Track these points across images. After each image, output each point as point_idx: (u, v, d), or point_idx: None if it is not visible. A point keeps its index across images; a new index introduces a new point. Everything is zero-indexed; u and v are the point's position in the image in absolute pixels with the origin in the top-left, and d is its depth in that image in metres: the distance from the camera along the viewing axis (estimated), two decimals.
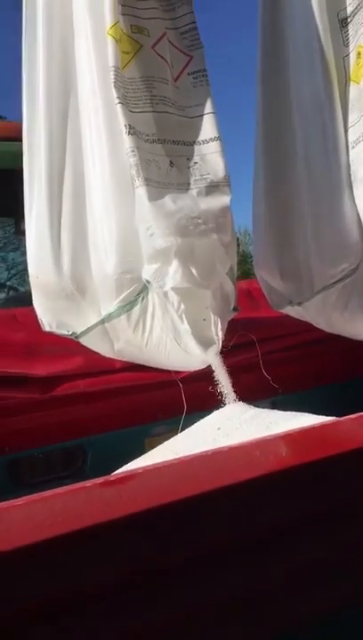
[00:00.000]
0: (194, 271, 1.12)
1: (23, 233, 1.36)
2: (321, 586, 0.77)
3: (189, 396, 1.30)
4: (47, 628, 0.59)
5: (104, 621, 0.63)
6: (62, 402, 1.41)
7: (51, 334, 1.32)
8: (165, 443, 1.15)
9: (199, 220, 1.13)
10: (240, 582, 0.70)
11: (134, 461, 1.05)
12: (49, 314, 1.28)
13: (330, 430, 0.82)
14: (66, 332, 1.29)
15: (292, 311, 1.54)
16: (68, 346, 1.35)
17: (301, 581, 0.76)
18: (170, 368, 1.34)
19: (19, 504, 0.57)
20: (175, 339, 1.19)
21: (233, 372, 1.27)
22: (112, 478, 0.64)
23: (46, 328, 1.30)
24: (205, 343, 1.18)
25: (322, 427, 0.83)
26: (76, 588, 0.61)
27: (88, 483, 0.63)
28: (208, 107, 1.21)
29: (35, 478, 1.38)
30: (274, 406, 1.41)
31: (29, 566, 0.57)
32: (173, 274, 1.11)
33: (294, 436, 0.78)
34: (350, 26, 1.52)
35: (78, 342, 1.31)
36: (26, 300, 1.41)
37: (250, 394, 1.39)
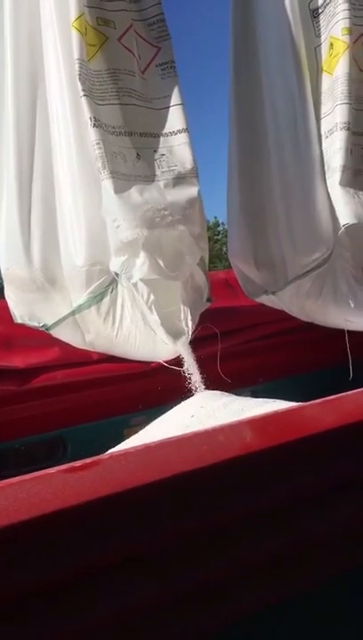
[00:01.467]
0: (161, 263, 1.13)
1: None
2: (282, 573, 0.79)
3: (165, 386, 1.32)
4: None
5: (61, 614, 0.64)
6: (41, 393, 1.42)
7: (24, 326, 1.32)
8: (140, 432, 1.17)
9: (166, 212, 1.14)
10: (203, 571, 0.72)
11: (110, 450, 1.07)
12: (21, 306, 1.29)
13: (295, 415, 0.84)
14: (37, 324, 1.29)
15: (267, 300, 1.56)
16: (46, 338, 1.36)
17: (263, 568, 0.77)
18: (140, 359, 1.36)
19: None
20: (144, 331, 1.21)
21: (212, 360, 1.29)
22: (77, 465, 0.65)
23: (18, 320, 1.30)
24: (175, 333, 1.19)
25: (287, 412, 0.85)
26: (39, 576, 0.62)
27: (53, 470, 0.64)
28: (176, 98, 1.22)
29: (15, 470, 1.39)
30: (254, 395, 1.43)
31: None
32: (141, 265, 1.12)
33: (259, 420, 0.80)
34: (321, 16, 1.54)
35: (51, 334, 1.31)
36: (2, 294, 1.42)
37: (230, 383, 1.41)
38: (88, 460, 0.66)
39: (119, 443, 1.17)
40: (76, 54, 1.12)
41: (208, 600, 0.73)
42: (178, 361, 1.23)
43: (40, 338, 1.38)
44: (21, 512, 0.59)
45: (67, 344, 1.37)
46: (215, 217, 16.15)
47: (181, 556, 0.72)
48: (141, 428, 1.29)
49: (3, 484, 0.61)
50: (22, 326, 1.33)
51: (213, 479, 0.71)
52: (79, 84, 1.11)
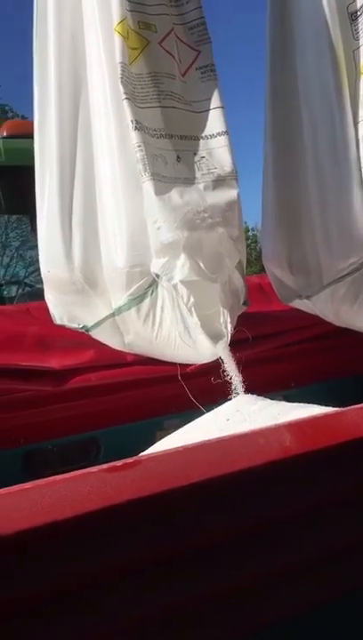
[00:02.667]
0: (202, 264, 1.14)
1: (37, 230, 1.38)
2: (321, 577, 0.78)
3: (201, 390, 1.32)
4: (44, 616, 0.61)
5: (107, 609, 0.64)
6: (75, 395, 1.43)
7: (63, 328, 1.34)
8: (174, 433, 1.17)
9: (206, 214, 1.14)
10: (240, 573, 0.71)
11: (144, 452, 1.07)
12: (60, 307, 1.31)
13: (334, 420, 0.83)
14: (77, 326, 1.31)
15: (301, 305, 1.54)
16: (81, 339, 1.37)
17: (300, 573, 0.77)
18: (179, 361, 1.36)
19: (27, 488, 0.59)
20: (183, 332, 1.21)
21: (246, 365, 1.28)
22: (118, 464, 0.66)
23: (57, 321, 1.32)
24: (214, 336, 1.19)
25: (326, 416, 0.84)
26: (82, 573, 0.62)
27: (94, 468, 0.64)
28: (216, 101, 1.22)
29: (48, 470, 1.41)
30: (287, 399, 1.42)
31: (37, 550, 0.59)
32: (181, 267, 1.12)
33: (298, 425, 0.79)
34: (360, 19, 1.52)
35: (89, 335, 1.32)
36: (42, 296, 1.44)
37: (263, 387, 1.40)
38: (129, 460, 0.66)
39: (152, 445, 1.17)
40: (118, 58, 1.14)
41: (248, 601, 0.72)
42: (215, 364, 1.22)
43: (75, 339, 1.39)
44: (65, 510, 0.59)
45: (102, 345, 1.38)
46: (245, 222, 16.09)
47: (219, 557, 0.72)
48: (173, 431, 1.29)
49: (46, 482, 0.62)
50: (59, 327, 1.34)
51: (253, 482, 0.71)
52: (121, 87, 1.13)
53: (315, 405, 1.08)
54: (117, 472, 0.64)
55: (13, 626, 0.58)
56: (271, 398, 1.20)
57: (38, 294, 1.80)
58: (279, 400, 1.25)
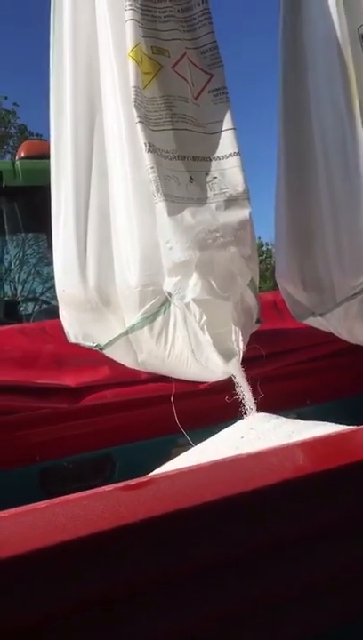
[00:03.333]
0: (214, 283, 1.15)
1: (52, 249, 1.41)
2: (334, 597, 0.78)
3: (215, 407, 1.32)
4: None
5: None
6: (90, 412, 1.45)
7: (78, 346, 1.35)
8: (188, 451, 1.17)
9: (218, 234, 1.15)
10: (253, 591, 0.72)
11: (158, 469, 1.08)
12: (75, 326, 1.33)
13: (348, 438, 0.83)
14: (91, 344, 1.32)
15: (314, 322, 1.55)
16: (96, 357, 1.39)
17: (311, 592, 0.76)
18: (191, 379, 1.37)
19: (42, 507, 0.60)
20: (195, 351, 1.22)
21: (260, 382, 1.28)
22: (132, 483, 0.67)
23: (72, 340, 1.34)
24: (226, 354, 1.20)
25: (340, 435, 0.85)
26: (95, 592, 0.63)
27: (109, 487, 0.65)
28: (228, 123, 1.24)
29: (64, 487, 1.42)
30: (301, 417, 1.42)
31: (51, 568, 0.60)
32: (193, 286, 1.13)
33: (312, 443, 0.80)
34: None
35: (103, 354, 1.34)
36: (57, 313, 1.46)
37: (277, 405, 1.40)
38: (143, 479, 0.67)
39: (166, 462, 1.17)
40: (132, 82, 1.16)
41: (264, 620, 0.72)
42: (227, 382, 1.23)
43: (91, 357, 1.41)
44: (78, 529, 0.60)
45: (117, 363, 1.40)
46: (259, 237, 16.13)
47: (232, 577, 0.72)
48: (188, 448, 1.29)
49: (60, 501, 0.63)
50: (74, 345, 1.36)
51: (266, 501, 0.71)
52: (135, 110, 1.15)
53: (329, 423, 1.08)
54: (132, 491, 0.65)
55: None
56: (285, 416, 1.20)
57: (55, 311, 1.82)
58: (293, 418, 1.25)
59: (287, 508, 0.73)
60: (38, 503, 0.61)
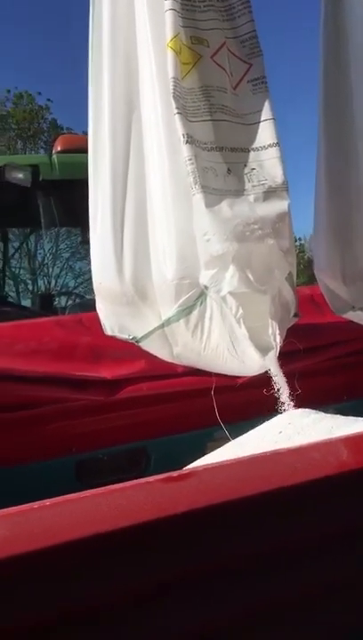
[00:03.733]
0: (251, 276, 1.13)
1: (88, 242, 1.41)
2: None
3: (250, 402, 1.31)
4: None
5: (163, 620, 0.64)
6: (126, 404, 1.45)
7: (114, 338, 1.36)
8: (225, 445, 1.16)
9: (256, 226, 1.14)
10: (296, 586, 0.70)
11: (194, 463, 1.07)
12: (111, 318, 1.33)
13: None
14: (127, 337, 1.32)
15: (354, 316, 1.52)
16: (132, 350, 1.39)
17: (353, 590, 0.75)
18: (227, 373, 1.35)
19: (83, 496, 0.60)
20: (231, 345, 1.20)
21: (297, 377, 1.27)
22: (174, 475, 0.66)
23: (108, 332, 1.34)
24: (263, 348, 1.19)
25: None
26: (135, 583, 0.63)
27: (151, 478, 0.65)
28: (267, 113, 1.22)
29: (100, 479, 1.42)
30: (339, 413, 1.40)
31: (91, 559, 0.60)
32: (230, 279, 1.12)
33: (355, 439, 0.78)
34: None
35: (139, 346, 1.34)
36: (91, 306, 1.46)
37: (315, 400, 1.38)
38: (185, 471, 0.67)
39: (202, 456, 1.17)
40: (171, 73, 1.15)
41: (303, 616, 0.71)
42: (264, 377, 1.21)
43: (127, 350, 1.41)
44: (119, 520, 0.60)
45: (152, 356, 1.39)
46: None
47: (273, 571, 0.71)
48: (223, 443, 1.28)
49: (102, 491, 0.63)
50: (111, 338, 1.36)
51: (308, 497, 0.70)
52: (173, 101, 1.14)
53: None
54: (173, 483, 0.64)
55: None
56: (323, 412, 1.18)
57: (88, 305, 1.83)
58: (332, 413, 1.23)
59: (329, 504, 0.72)
60: (81, 493, 0.61)
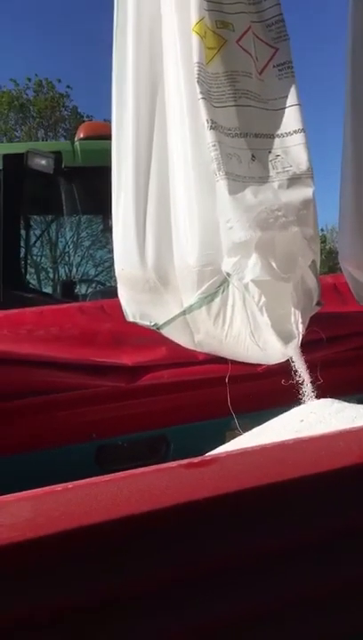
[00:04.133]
0: (274, 264, 1.12)
1: (110, 230, 1.41)
2: None
3: (271, 390, 1.30)
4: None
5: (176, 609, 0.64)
6: (147, 391, 1.45)
7: (135, 325, 1.36)
8: (246, 433, 1.16)
9: (280, 213, 1.13)
10: (314, 579, 0.70)
11: (218, 448, 1.07)
12: (133, 305, 1.33)
13: None
14: (148, 323, 1.32)
15: None
16: (153, 337, 1.39)
17: None
18: (249, 361, 1.35)
19: (105, 480, 0.61)
20: (253, 333, 1.20)
21: (320, 366, 1.25)
22: (196, 461, 0.66)
23: (130, 319, 1.34)
24: (285, 337, 1.18)
25: None
26: (155, 568, 0.63)
27: (173, 464, 0.65)
28: (293, 98, 1.21)
29: (119, 465, 1.43)
30: (361, 403, 1.39)
31: (113, 542, 0.60)
32: (253, 266, 1.11)
33: None
34: None
35: (161, 333, 1.34)
36: (112, 294, 1.46)
37: (337, 389, 1.36)
38: (207, 457, 0.67)
39: (221, 444, 1.17)
40: (195, 58, 1.14)
41: (316, 612, 0.71)
42: (286, 365, 1.21)
43: (148, 336, 1.41)
44: (141, 503, 0.60)
45: (174, 343, 1.39)
46: None
47: (290, 560, 0.70)
48: (243, 431, 1.28)
49: (124, 475, 0.63)
50: (132, 324, 1.36)
51: (331, 486, 0.70)
52: (197, 86, 1.13)
53: None
54: (195, 468, 0.64)
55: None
56: (345, 401, 1.17)
57: (109, 292, 1.83)
58: (354, 403, 1.22)
59: (353, 493, 0.71)
60: (102, 477, 0.61)
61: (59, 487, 0.58)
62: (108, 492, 0.60)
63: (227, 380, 1.35)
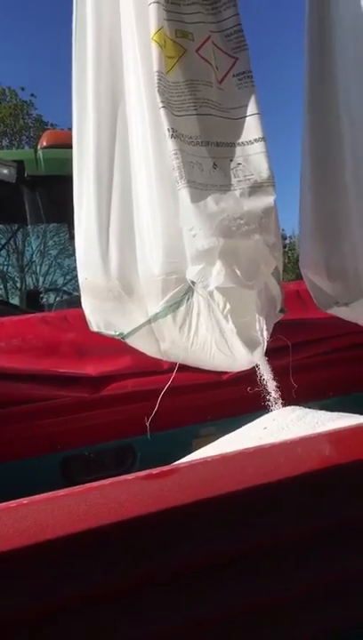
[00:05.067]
0: (238, 271, 1.13)
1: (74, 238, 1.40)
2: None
3: (238, 398, 1.31)
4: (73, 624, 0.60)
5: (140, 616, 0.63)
6: (112, 401, 1.44)
7: (99, 335, 1.34)
8: (213, 443, 1.16)
9: (242, 221, 1.13)
10: (273, 585, 0.70)
11: (183, 459, 1.06)
12: (97, 314, 1.31)
13: None
14: (113, 333, 1.31)
15: (339, 312, 1.52)
16: (117, 346, 1.37)
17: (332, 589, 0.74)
18: (215, 369, 1.35)
19: (61, 495, 0.59)
20: (219, 340, 1.20)
21: (284, 373, 1.26)
22: (155, 472, 0.65)
23: (94, 328, 1.32)
24: (250, 344, 1.18)
25: None
26: (113, 580, 0.62)
27: (130, 476, 0.64)
28: (253, 108, 1.22)
29: (86, 476, 1.41)
30: (324, 409, 1.40)
31: (69, 556, 0.59)
32: (217, 274, 1.11)
33: (338, 434, 0.78)
34: None
35: (126, 343, 1.33)
36: (78, 303, 1.45)
37: (301, 396, 1.37)
38: (166, 468, 0.66)
39: (188, 453, 1.16)
40: (155, 67, 1.14)
41: (275, 618, 0.71)
42: (251, 373, 1.21)
43: (112, 346, 1.40)
44: (100, 517, 0.59)
45: (138, 352, 1.38)
46: (282, 229, 15.95)
47: (252, 568, 0.70)
48: (210, 439, 1.28)
49: (82, 489, 0.62)
50: (96, 334, 1.35)
51: (292, 492, 0.70)
52: (158, 95, 1.13)
53: (354, 415, 1.06)
54: (154, 480, 0.64)
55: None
56: (309, 407, 1.18)
57: (76, 302, 1.81)
58: (317, 409, 1.23)
59: (312, 500, 0.71)
60: (58, 491, 0.60)
61: (13, 503, 0.57)
62: (64, 507, 0.59)
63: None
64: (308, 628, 0.73)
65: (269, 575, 0.69)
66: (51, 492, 0.60)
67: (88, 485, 0.62)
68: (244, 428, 1.15)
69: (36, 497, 0.59)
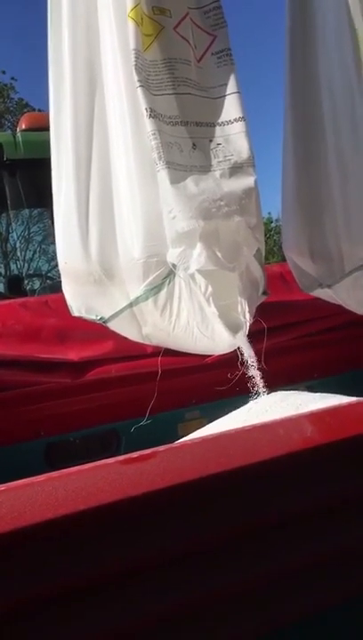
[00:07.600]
0: (219, 254, 1.11)
1: None
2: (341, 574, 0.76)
3: (221, 381, 1.30)
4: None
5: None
6: (95, 386, 1.43)
7: (81, 319, 1.33)
8: (200, 429, 1.15)
9: (222, 202, 1.12)
10: (252, 569, 0.70)
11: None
12: (78, 299, 1.30)
13: (356, 410, 0.81)
14: (94, 317, 1.30)
15: (322, 294, 1.52)
16: (99, 331, 1.36)
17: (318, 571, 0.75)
18: (197, 352, 1.34)
19: (40, 480, 0.59)
20: (201, 323, 1.19)
21: (267, 355, 1.26)
22: (134, 456, 0.65)
23: (75, 313, 1.31)
24: (232, 327, 1.17)
25: (348, 406, 0.82)
26: (92, 567, 0.61)
27: (109, 460, 0.63)
28: (232, 86, 1.20)
29: (70, 462, 1.41)
30: (310, 390, 1.40)
31: (49, 541, 0.58)
32: (198, 256, 1.10)
33: (319, 414, 0.77)
34: None
35: (107, 327, 1.32)
36: (60, 288, 1.43)
37: (285, 378, 1.37)
38: (145, 452, 0.65)
39: (173, 437, 1.16)
40: (132, 45, 1.12)
41: (254, 603, 0.71)
42: (234, 355, 1.21)
43: (94, 331, 1.38)
44: (78, 502, 0.58)
45: (121, 337, 1.37)
46: (269, 213, 15.94)
47: (235, 552, 0.70)
48: (194, 423, 1.28)
49: (61, 474, 0.61)
50: (78, 319, 1.34)
51: (272, 473, 0.69)
52: (135, 74, 1.11)
53: (338, 395, 1.06)
54: (134, 464, 0.63)
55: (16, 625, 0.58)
56: (294, 389, 1.18)
57: (60, 288, 1.79)
58: (302, 391, 1.23)
59: (294, 480, 0.71)
60: (37, 477, 0.60)
61: None
62: (43, 493, 0.59)
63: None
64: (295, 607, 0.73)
65: (253, 561, 0.69)
66: (28, 478, 0.59)
67: (67, 470, 0.61)
68: (231, 413, 1.15)
69: (13, 483, 0.58)
